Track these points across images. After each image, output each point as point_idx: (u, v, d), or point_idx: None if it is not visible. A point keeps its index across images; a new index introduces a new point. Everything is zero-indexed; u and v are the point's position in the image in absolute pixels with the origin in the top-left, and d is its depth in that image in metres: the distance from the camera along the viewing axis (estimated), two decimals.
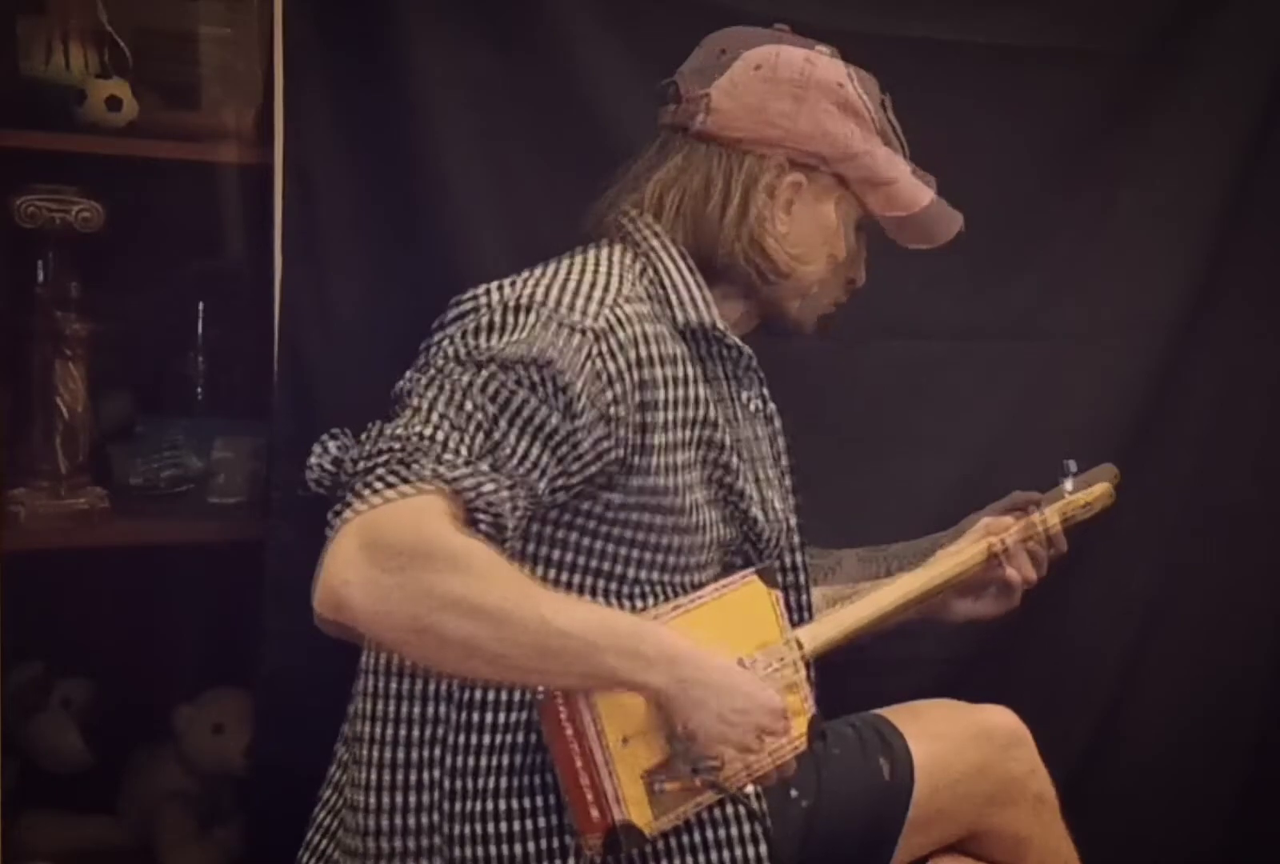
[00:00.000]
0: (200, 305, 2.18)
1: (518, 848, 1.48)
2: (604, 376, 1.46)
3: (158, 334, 2.16)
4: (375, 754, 1.52)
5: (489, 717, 1.49)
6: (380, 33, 1.92)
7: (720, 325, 1.61)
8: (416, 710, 1.51)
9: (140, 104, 1.97)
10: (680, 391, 1.53)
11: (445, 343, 1.47)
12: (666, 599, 1.53)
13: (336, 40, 1.92)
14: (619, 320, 1.49)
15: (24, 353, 1.95)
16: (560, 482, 1.44)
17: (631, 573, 1.53)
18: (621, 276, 1.56)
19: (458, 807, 1.49)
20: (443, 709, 1.50)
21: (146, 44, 2.04)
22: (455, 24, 1.95)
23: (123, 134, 1.95)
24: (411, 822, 1.50)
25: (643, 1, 2.04)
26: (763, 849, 1.56)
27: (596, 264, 1.58)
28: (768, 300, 1.68)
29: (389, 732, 1.52)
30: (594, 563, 1.51)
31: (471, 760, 1.49)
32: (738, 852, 1.56)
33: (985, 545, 1.79)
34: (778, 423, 1.69)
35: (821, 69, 1.65)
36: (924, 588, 1.75)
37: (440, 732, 1.50)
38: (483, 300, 1.51)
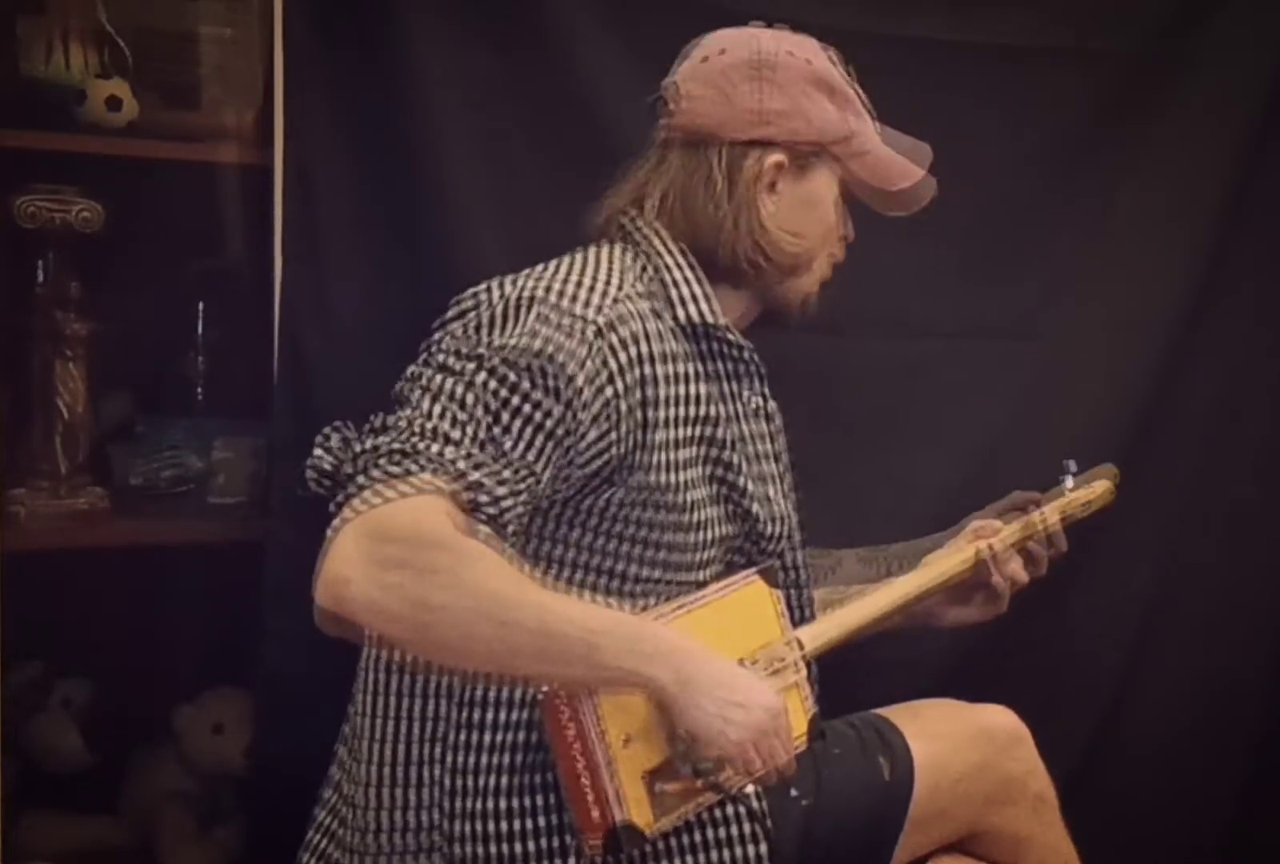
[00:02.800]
0: (200, 305, 2.18)
1: (518, 846, 1.48)
2: (606, 373, 1.46)
3: (158, 334, 2.16)
4: (375, 751, 1.52)
5: (489, 715, 1.49)
6: (380, 33, 1.92)
7: (721, 322, 1.61)
8: (417, 707, 1.51)
9: (140, 104, 1.97)
10: (681, 389, 1.53)
11: (447, 338, 1.48)
12: (668, 597, 1.53)
13: (336, 40, 1.92)
14: (620, 317, 1.50)
15: (24, 353, 1.95)
16: (562, 478, 1.44)
17: (633, 571, 1.53)
18: (622, 274, 1.57)
19: (458, 804, 1.49)
20: (443, 706, 1.50)
21: (146, 44, 2.04)
22: (455, 24, 1.95)
23: (123, 134, 1.95)
24: (411, 819, 1.50)
25: (643, 1, 2.04)
26: (763, 849, 1.56)
27: (597, 262, 1.58)
28: (773, 288, 1.68)
29: (389, 728, 1.52)
30: (595, 561, 1.51)
31: (472, 758, 1.49)
32: (738, 851, 1.56)
33: (974, 550, 1.78)
34: (778, 421, 1.69)
35: (772, 48, 1.64)
36: (925, 587, 1.75)
37: (441, 729, 1.50)
38: (483, 297, 1.51)
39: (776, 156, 1.63)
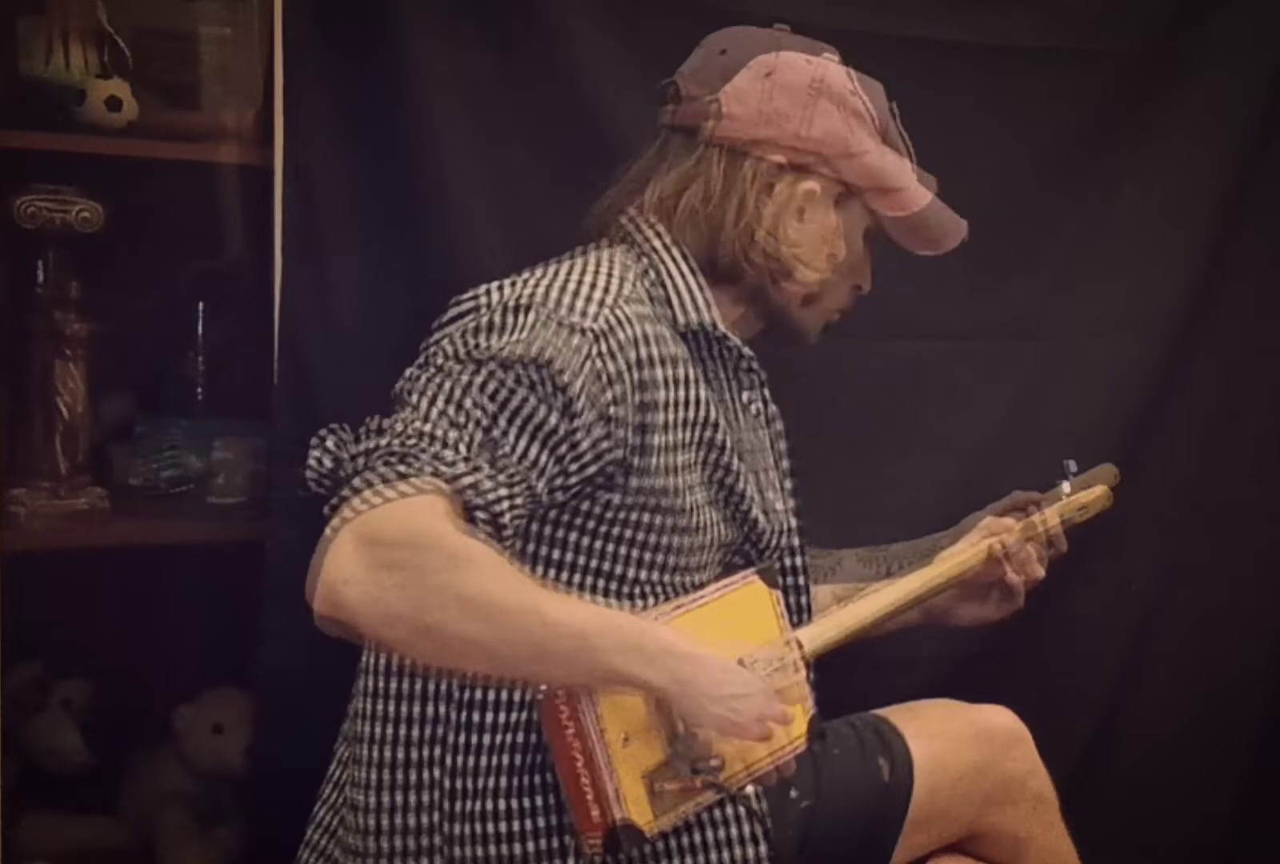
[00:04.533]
0: (200, 305, 2.18)
1: (517, 847, 1.48)
2: (604, 377, 1.46)
3: (158, 334, 2.16)
4: (375, 753, 1.52)
5: (489, 716, 1.49)
6: (380, 33, 1.92)
7: (721, 326, 1.61)
8: (416, 710, 1.51)
9: (140, 104, 1.97)
10: (680, 392, 1.53)
11: (445, 342, 1.48)
12: (667, 599, 1.53)
13: (336, 40, 1.91)
14: (619, 321, 1.50)
15: (24, 353, 1.94)
16: (559, 481, 1.44)
17: (632, 573, 1.53)
18: (622, 277, 1.56)
19: (458, 806, 1.49)
20: (443, 709, 1.50)
21: (146, 44, 2.04)
22: (455, 24, 1.95)
23: (123, 134, 1.95)
24: (412, 821, 1.50)
25: (642, 1, 2.04)
26: (763, 849, 1.56)
27: (598, 265, 1.58)
28: (772, 305, 1.68)
29: (389, 731, 1.52)
30: (594, 563, 1.52)
31: (471, 760, 1.49)
32: (738, 852, 1.56)
33: (986, 546, 1.79)
34: (778, 424, 1.69)
35: (833, 76, 1.65)
36: (924, 588, 1.75)
37: (440, 731, 1.50)
38: (482, 300, 1.51)
39: (810, 184, 1.64)
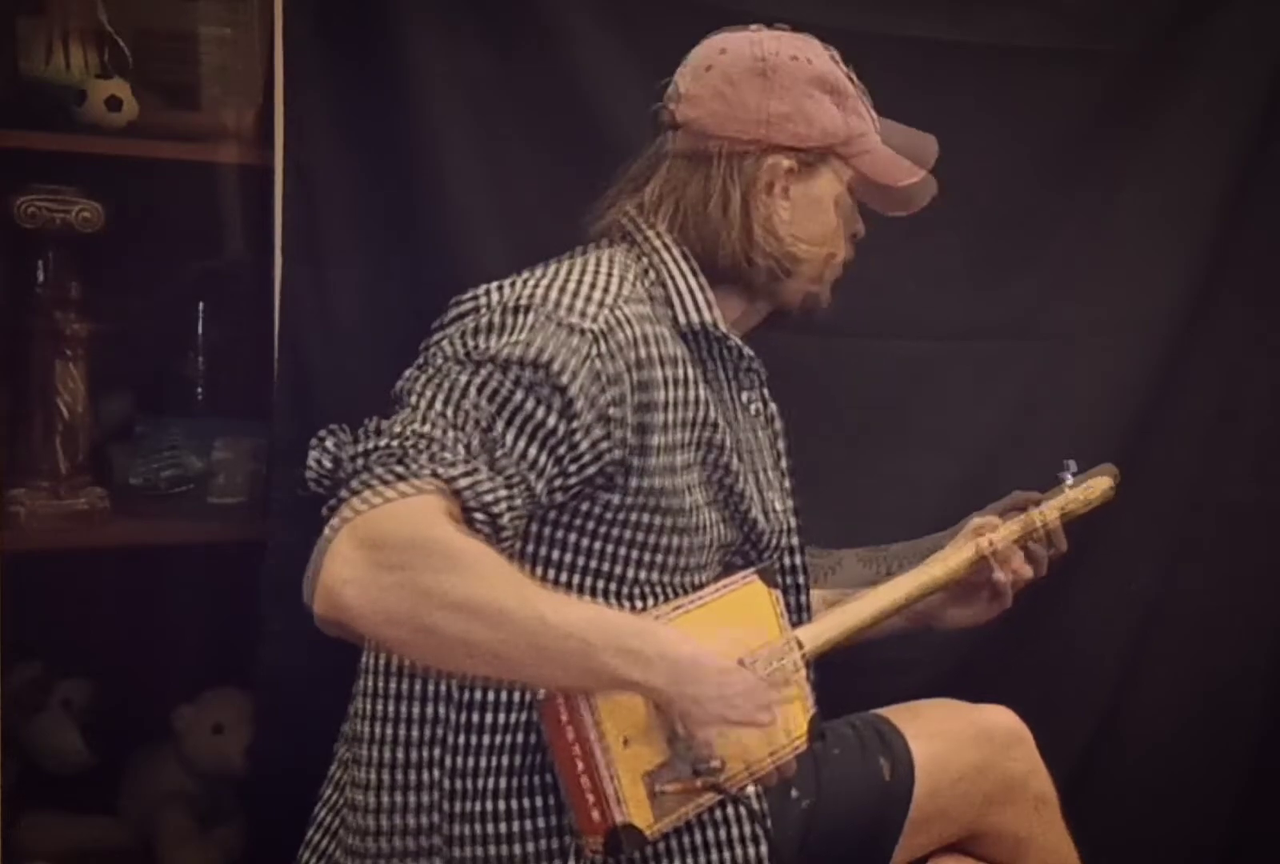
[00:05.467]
0: (200, 305, 2.18)
1: (517, 848, 1.48)
2: (603, 377, 1.46)
3: (158, 334, 2.16)
4: (375, 754, 1.52)
5: (489, 717, 1.49)
6: (380, 33, 1.92)
7: (721, 326, 1.61)
8: (416, 710, 1.51)
9: (140, 104, 1.97)
10: (680, 392, 1.53)
11: (444, 343, 1.47)
12: (666, 599, 1.53)
13: (336, 40, 1.92)
14: (619, 321, 1.49)
15: (24, 353, 1.95)
16: (558, 482, 1.44)
17: (631, 573, 1.53)
18: (622, 277, 1.56)
19: (458, 807, 1.49)
20: (442, 709, 1.50)
21: (146, 44, 2.04)
22: (455, 24, 1.95)
23: (123, 134, 1.95)
24: (411, 822, 1.50)
25: (641, 1, 2.04)
26: (763, 849, 1.56)
27: (597, 265, 1.57)
28: (777, 294, 1.68)
29: (389, 731, 1.52)
30: (594, 563, 1.51)
31: (471, 761, 1.49)
32: (738, 852, 1.56)
33: (974, 547, 1.78)
34: (778, 424, 1.69)
35: (773, 50, 1.64)
36: (924, 587, 1.74)
37: (440, 732, 1.50)
38: (482, 301, 1.51)
39: (786, 162, 1.63)
